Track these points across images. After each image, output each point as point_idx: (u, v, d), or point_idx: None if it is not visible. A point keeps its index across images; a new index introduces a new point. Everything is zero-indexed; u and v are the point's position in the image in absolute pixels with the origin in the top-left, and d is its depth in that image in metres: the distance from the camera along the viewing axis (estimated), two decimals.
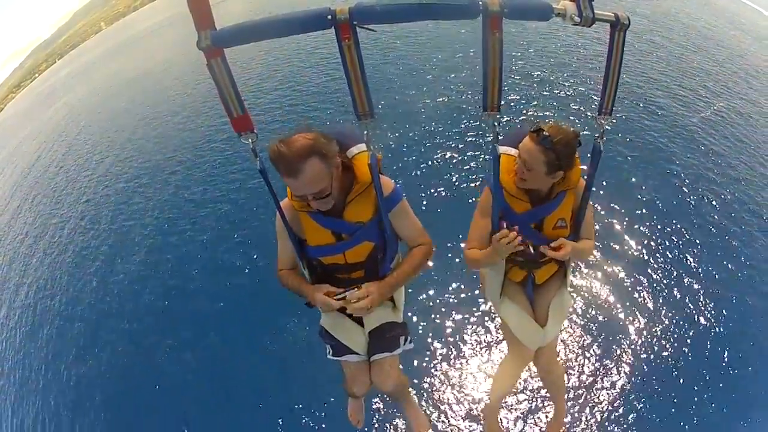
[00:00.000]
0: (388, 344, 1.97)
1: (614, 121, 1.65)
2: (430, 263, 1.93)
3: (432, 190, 5.95)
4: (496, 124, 1.41)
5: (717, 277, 4.65)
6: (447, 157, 6.61)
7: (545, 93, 8.15)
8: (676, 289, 4.55)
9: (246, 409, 4.22)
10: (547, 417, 3.52)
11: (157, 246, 6.82)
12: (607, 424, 3.58)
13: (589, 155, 1.72)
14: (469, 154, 6.56)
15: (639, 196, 5.63)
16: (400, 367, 2.15)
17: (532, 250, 1.78)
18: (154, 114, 12.81)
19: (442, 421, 3.70)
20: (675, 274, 4.69)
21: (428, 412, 3.70)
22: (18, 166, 15.94)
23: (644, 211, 5.43)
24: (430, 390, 3.91)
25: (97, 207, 8.96)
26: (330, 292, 1.72)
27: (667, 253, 4.91)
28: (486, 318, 4.35)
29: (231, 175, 7.79)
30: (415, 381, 3.91)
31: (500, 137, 1.51)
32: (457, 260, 4.79)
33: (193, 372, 4.74)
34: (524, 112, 7.54)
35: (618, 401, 3.71)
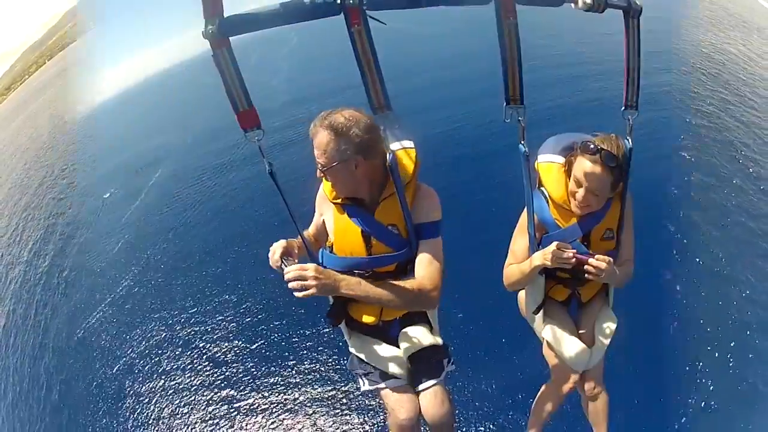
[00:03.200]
0: (434, 370, 1.79)
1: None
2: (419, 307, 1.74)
3: (458, 193, 5.78)
4: (521, 119, 1.35)
5: None
6: (473, 155, 6.49)
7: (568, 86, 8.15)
8: None
9: None
10: None
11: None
12: None
13: None
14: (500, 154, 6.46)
15: None
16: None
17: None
18: None
19: None
20: None
21: None
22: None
23: None
24: (462, 416, 3.58)
25: None
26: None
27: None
28: (523, 339, 4.10)
29: None
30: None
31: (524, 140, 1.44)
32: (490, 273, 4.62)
33: None
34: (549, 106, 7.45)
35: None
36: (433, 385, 1.75)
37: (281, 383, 4.32)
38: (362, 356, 1.84)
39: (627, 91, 1.52)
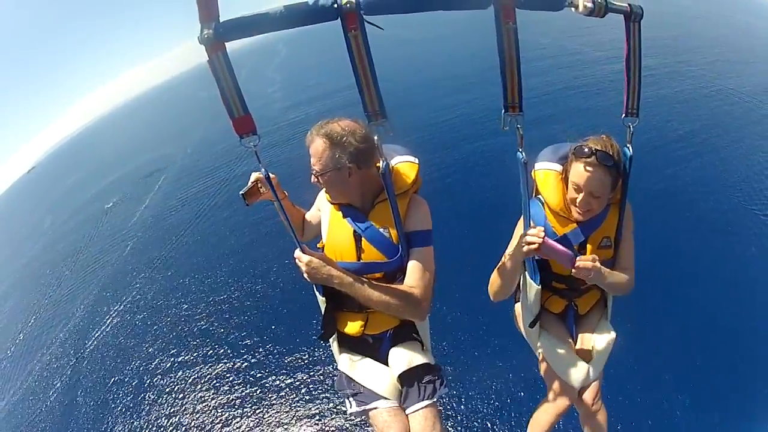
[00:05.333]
0: (425, 391, 1.72)
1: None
2: (407, 316, 1.67)
3: (452, 200, 5.87)
4: (519, 126, 1.30)
5: None
6: (472, 163, 6.61)
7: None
8: None
9: None
10: None
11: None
12: None
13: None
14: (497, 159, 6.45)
15: None
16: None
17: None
18: None
19: None
20: None
21: None
22: None
23: None
24: None
25: None
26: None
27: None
28: (520, 354, 3.99)
29: None
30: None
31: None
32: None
33: None
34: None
35: None
36: (424, 407, 1.68)
37: (302, 364, 4.33)
38: (351, 374, 1.79)
39: (627, 98, 1.48)
